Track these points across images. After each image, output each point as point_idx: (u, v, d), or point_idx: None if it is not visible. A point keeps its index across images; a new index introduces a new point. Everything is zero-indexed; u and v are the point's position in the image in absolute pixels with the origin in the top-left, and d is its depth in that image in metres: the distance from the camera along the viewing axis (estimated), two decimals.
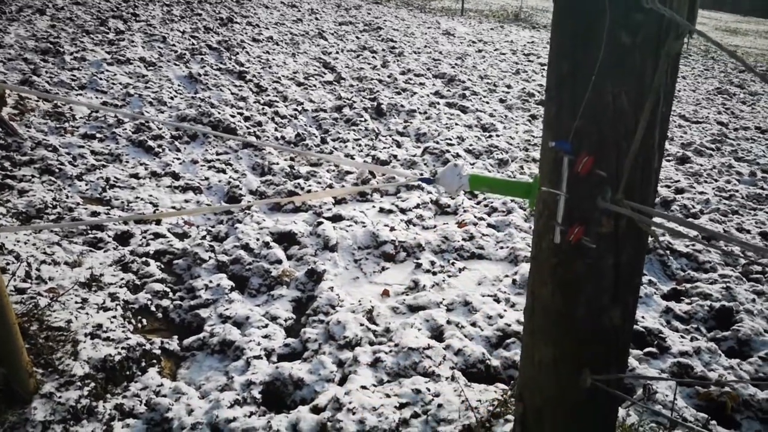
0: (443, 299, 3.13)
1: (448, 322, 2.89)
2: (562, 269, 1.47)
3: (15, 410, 1.94)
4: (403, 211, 4.12)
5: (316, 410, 2.27)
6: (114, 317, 2.66)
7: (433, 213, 4.15)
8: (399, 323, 2.88)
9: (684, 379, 2.42)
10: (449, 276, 3.41)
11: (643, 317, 3.12)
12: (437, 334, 2.83)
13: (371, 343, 2.75)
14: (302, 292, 3.25)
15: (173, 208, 3.90)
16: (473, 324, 2.92)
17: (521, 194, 1.38)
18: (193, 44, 7.34)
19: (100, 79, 5.61)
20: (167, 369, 2.66)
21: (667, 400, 2.44)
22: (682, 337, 2.99)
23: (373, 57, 8.66)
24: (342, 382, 2.49)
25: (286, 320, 3.00)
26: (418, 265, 3.47)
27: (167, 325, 2.96)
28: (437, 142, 5.34)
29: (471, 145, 5.45)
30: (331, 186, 4.38)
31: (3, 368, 1.93)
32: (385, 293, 3.22)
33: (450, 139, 5.46)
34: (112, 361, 2.36)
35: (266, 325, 2.90)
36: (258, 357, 2.66)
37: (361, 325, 2.83)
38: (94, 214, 3.58)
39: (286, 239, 3.64)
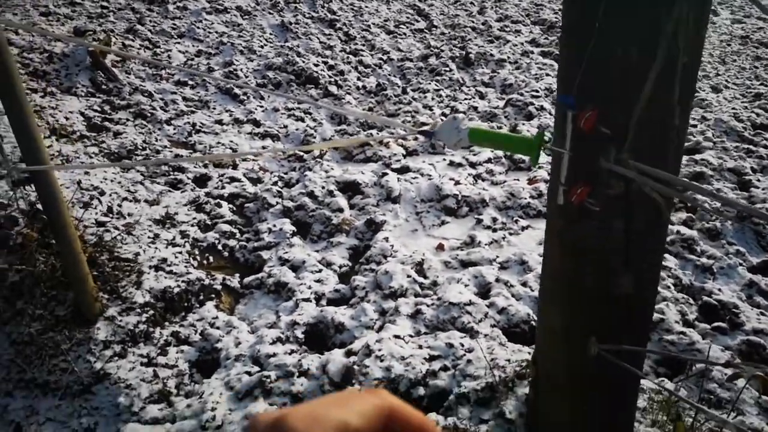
0: (497, 256, 3.05)
1: (497, 280, 2.83)
2: (568, 231, 1.38)
3: (81, 329, 2.20)
4: (472, 165, 4.01)
5: (349, 354, 2.35)
6: (179, 253, 2.89)
7: (504, 168, 4.01)
8: (447, 277, 2.87)
9: (696, 358, 2.21)
10: (510, 234, 3.31)
11: (720, 290, 2.86)
12: (484, 291, 2.79)
13: (416, 295, 2.77)
14: (360, 240, 3.31)
15: (250, 152, 4.09)
16: (524, 284, 2.84)
17: (523, 150, 1.30)
18: None
19: (198, 27, 5.90)
20: (227, 304, 2.87)
21: (725, 383, 2.25)
22: (762, 314, 2.71)
23: (471, 3, 8.30)
24: (380, 330, 2.55)
25: (340, 267, 3.10)
26: (479, 221, 3.40)
27: (232, 263, 3.17)
28: (521, 94, 5.09)
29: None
30: (404, 138, 4.36)
31: (71, 292, 2.19)
32: (440, 247, 3.20)
33: (537, 91, 5.17)
34: (171, 293, 2.58)
35: (320, 270, 3.01)
36: (307, 300, 2.78)
37: (408, 276, 2.85)
38: (178, 156, 3.85)
39: (351, 188, 3.70)
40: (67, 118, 3.82)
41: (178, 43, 5.53)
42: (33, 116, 1.92)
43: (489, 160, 4.06)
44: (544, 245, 1.53)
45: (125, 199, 3.16)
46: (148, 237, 2.91)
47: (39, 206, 2.33)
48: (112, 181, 3.26)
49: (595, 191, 1.26)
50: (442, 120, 4.55)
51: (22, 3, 5.59)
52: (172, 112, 4.38)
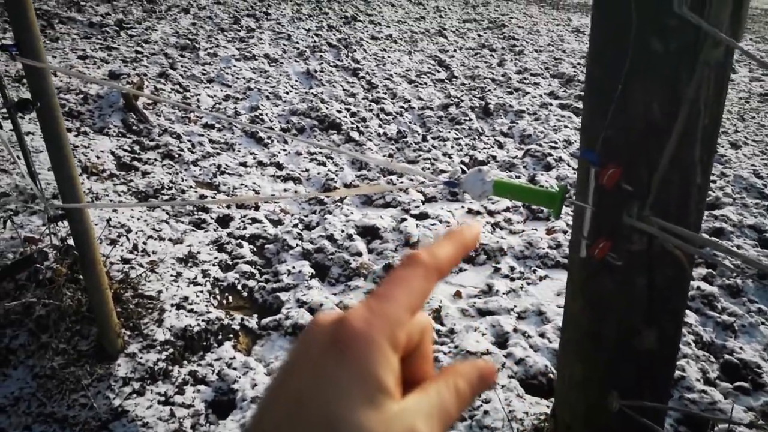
0: (515, 306, 3.05)
1: (515, 330, 2.82)
2: (591, 285, 1.39)
3: (102, 365, 2.23)
4: (491, 213, 4.05)
5: None
6: (201, 292, 2.93)
7: (523, 218, 4.04)
8: (464, 325, 2.87)
9: (718, 417, 2.15)
10: (528, 283, 3.31)
11: (741, 348, 2.81)
12: (501, 340, 2.78)
13: (433, 343, 2.76)
14: (378, 285, 3.33)
15: (272, 196, 4.18)
16: (542, 335, 2.82)
17: (545, 203, 1.33)
18: (314, 42, 7.73)
19: (227, 73, 6.12)
20: (244, 344, 2.88)
21: None
22: None
23: (491, 55, 8.53)
24: None
25: None
26: (497, 270, 3.41)
27: (250, 303, 3.20)
28: (540, 145, 5.16)
29: (578, 149, 5.19)
30: (422, 183, 4.42)
31: (95, 327, 2.23)
32: (458, 294, 3.21)
33: (555, 142, 5.25)
34: (192, 332, 2.61)
35: None
36: None
37: None
38: (202, 197, 3.94)
39: (370, 233, 3.74)
40: (98, 157, 3.96)
41: (208, 87, 5.74)
42: (71, 156, 2.01)
43: (507, 209, 4.10)
44: (566, 297, 1.55)
45: (150, 237, 3.23)
46: (171, 275, 2.96)
47: (69, 242, 2.41)
48: (138, 219, 3.35)
49: (618, 246, 1.28)
50: (461, 168, 4.63)
51: (61, 47, 5.87)
52: (199, 154, 4.51)
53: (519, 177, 4.62)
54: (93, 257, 2.11)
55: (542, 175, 4.59)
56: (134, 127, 4.54)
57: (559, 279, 3.37)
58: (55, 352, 2.21)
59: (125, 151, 4.21)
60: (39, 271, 2.34)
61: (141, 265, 2.85)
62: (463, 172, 4.57)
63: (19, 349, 2.26)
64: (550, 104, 6.42)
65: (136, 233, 3.16)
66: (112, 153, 4.12)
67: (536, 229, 3.86)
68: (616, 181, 1.22)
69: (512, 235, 3.79)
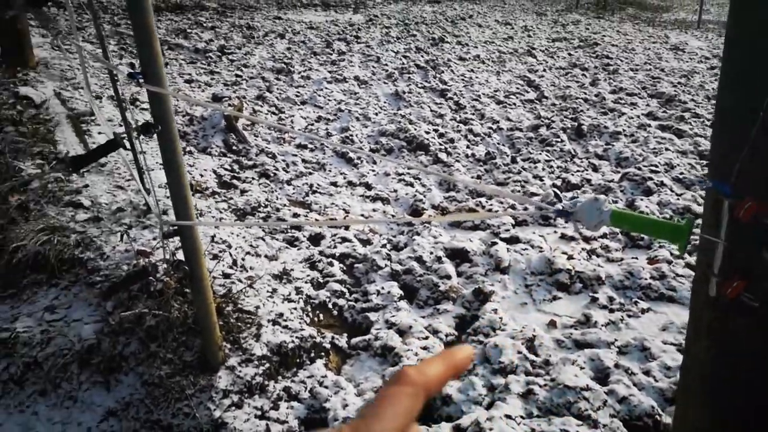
0: (616, 340, 2.88)
1: (617, 366, 2.66)
2: (720, 326, 1.28)
3: (204, 376, 2.32)
4: (586, 239, 3.88)
5: (457, 430, 2.29)
6: (295, 309, 3.00)
7: (621, 245, 3.84)
8: (560, 357, 2.74)
9: None
10: (629, 316, 3.13)
11: None
12: (602, 376, 2.63)
13: (527, 373, 2.66)
14: (467, 310, 3.27)
15: (362, 215, 4.23)
16: (646, 372, 2.64)
17: (669, 237, 1.24)
18: (403, 64, 7.84)
19: (319, 95, 6.33)
20: (334, 363, 2.91)
21: None
22: None
23: (583, 75, 8.27)
24: (489, 406, 2.47)
25: (447, 335, 3.06)
26: (594, 299, 3.25)
27: (340, 322, 3.23)
28: (639, 168, 4.91)
29: (681, 173, 4.89)
30: (513, 207, 4.33)
31: (199, 339, 2.33)
32: (552, 324, 3.09)
33: (656, 166, 4.97)
34: (286, 348, 2.67)
35: (427, 337, 2.99)
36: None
37: (519, 352, 2.75)
38: (296, 215, 4.06)
39: (459, 256, 3.69)
40: (201, 176, 4.19)
41: (301, 109, 5.95)
42: (186, 176, 2.13)
43: (604, 236, 3.91)
44: (687, 338, 1.44)
45: (248, 253, 3.36)
46: (267, 291, 3.05)
47: (179, 256, 2.55)
48: (237, 235, 3.50)
49: (754, 285, 1.17)
50: (553, 191, 4.49)
51: (170, 72, 6.31)
52: (293, 173, 4.66)
53: (616, 202, 4.41)
54: (201, 273, 2.22)
55: (642, 200, 4.36)
56: (234, 147, 4.78)
57: (663, 313, 3.16)
58: (163, 361, 2.33)
59: (226, 170, 4.43)
60: (150, 283, 2.49)
61: (240, 281, 2.97)
62: (556, 195, 4.43)
63: (130, 357, 2.41)
64: (649, 125, 6.11)
65: (236, 249, 3.30)
66: (214, 172, 4.35)
67: (636, 258, 3.66)
68: (754, 214, 1.12)
69: (610, 263, 3.61)
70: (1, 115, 4.21)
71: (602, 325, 3.02)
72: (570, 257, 3.60)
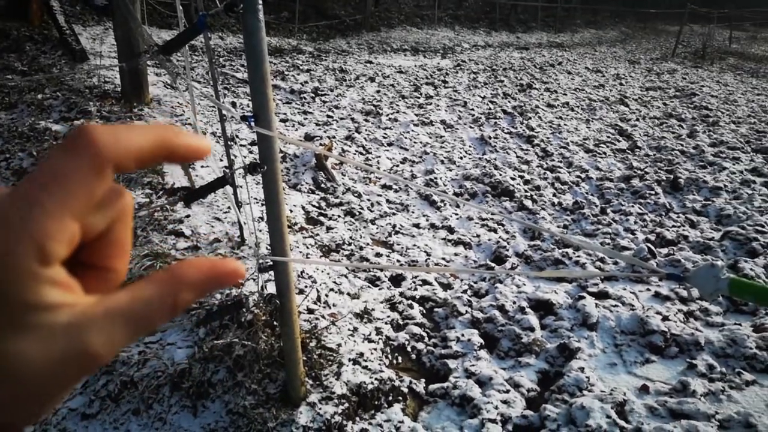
0: (717, 413, 2.66)
1: None
2: None
3: (287, 409, 2.36)
4: (683, 300, 3.65)
5: None
6: (374, 349, 3.01)
7: (722, 309, 3.58)
8: (654, 426, 2.56)
9: None
10: (731, 387, 2.88)
11: None
12: None
13: None
14: (551, 365, 3.14)
15: (443, 259, 4.22)
16: None
17: None
18: (489, 108, 7.87)
19: (405, 137, 6.45)
20: (410, 408, 2.87)
21: None
22: None
23: (679, 125, 7.94)
24: None
25: (528, 390, 2.95)
26: (692, 366, 3.03)
27: (418, 366, 3.20)
28: (743, 227, 4.59)
29: None
30: (601, 265, 4.16)
31: (283, 372, 2.38)
32: (644, 389, 2.90)
33: (762, 225, 4.63)
34: (366, 389, 2.67)
35: (508, 391, 2.90)
36: (493, 421, 2.67)
37: (608, 417, 2.60)
38: (378, 255, 4.11)
39: (543, 307, 3.58)
40: (291, 211, 4.35)
41: (387, 150, 6.08)
42: (285, 214, 2.22)
43: (702, 297, 3.66)
44: None
45: (331, 289, 3.43)
46: (348, 329, 3.09)
47: (270, 289, 2.63)
48: (322, 271, 3.58)
49: None
50: (646, 247, 4.28)
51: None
52: (377, 213, 4.74)
53: (717, 260, 4.13)
54: (291, 307, 2.28)
55: (746, 261, 4.06)
56: (323, 185, 4.95)
57: None
58: (248, 392, 2.40)
59: (313, 206, 4.58)
60: (241, 314, 2.59)
61: (324, 317, 3.02)
62: (650, 251, 4.21)
63: (218, 384, 2.49)
64: (754, 182, 5.73)
65: (320, 285, 3.37)
66: (303, 208, 4.50)
67: (740, 325, 3.39)
68: None
69: (710, 328, 3.36)
70: None
71: (701, 395, 2.80)
72: (665, 318, 3.39)
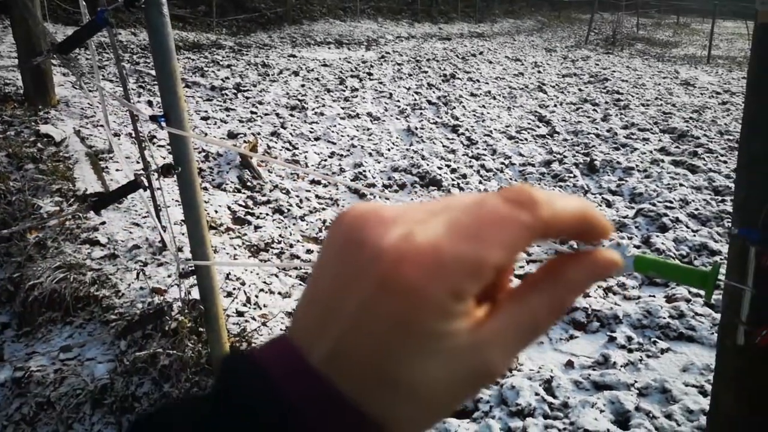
0: (636, 381, 2.82)
1: (637, 409, 2.60)
2: (748, 377, 1.25)
3: None
4: None
5: None
6: None
7: (638, 283, 3.79)
8: (579, 399, 2.68)
9: None
10: (648, 356, 3.06)
11: None
12: (622, 420, 2.56)
13: (545, 416, 2.60)
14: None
15: None
16: (668, 416, 2.57)
17: (695, 283, 1.22)
18: (415, 99, 7.94)
19: (332, 131, 6.40)
20: None
21: None
22: None
23: (594, 110, 8.32)
24: None
25: None
26: (612, 339, 3.19)
27: None
28: (653, 204, 4.88)
29: (697, 209, 4.86)
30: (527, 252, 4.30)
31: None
32: (569, 364, 3.03)
33: (670, 202, 4.94)
34: None
35: None
36: None
37: (537, 394, 2.70)
38: (309, 251, 4.07)
39: None
40: (216, 212, 4.22)
41: (314, 145, 6.02)
42: (204, 217, 2.14)
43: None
44: (713, 386, 1.40)
45: (261, 290, 3.36)
46: (280, 329, 3.03)
47: (193, 295, 2.54)
48: (251, 272, 3.50)
49: None
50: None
51: (186, 109, 6.42)
52: (306, 209, 4.69)
53: (631, 238, 4.37)
54: (216, 312, 2.22)
55: (657, 237, 4.32)
56: (249, 183, 4.83)
57: (683, 353, 3.09)
58: None
59: (240, 205, 4.47)
60: (165, 323, 2.48)
61: (254, 319, 2.96)
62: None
63: (143, 397, 2.38)
64: (662, 161, 6.10)
65: (249, 286, 3.30)
66: (229, 208, 4.38)
67: (654, 296, 3.61)
68: None
69: (627, 301, 3.56)
70: (21, 152, 4.30)
71: (621, 366, 2.95)
72: (586, 294, 3.55)
